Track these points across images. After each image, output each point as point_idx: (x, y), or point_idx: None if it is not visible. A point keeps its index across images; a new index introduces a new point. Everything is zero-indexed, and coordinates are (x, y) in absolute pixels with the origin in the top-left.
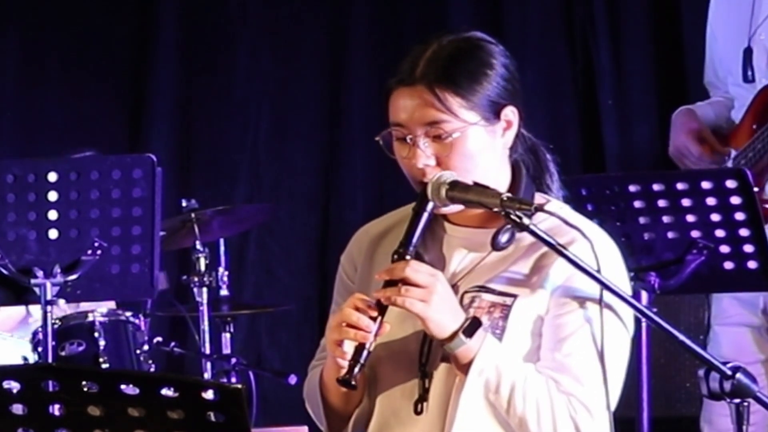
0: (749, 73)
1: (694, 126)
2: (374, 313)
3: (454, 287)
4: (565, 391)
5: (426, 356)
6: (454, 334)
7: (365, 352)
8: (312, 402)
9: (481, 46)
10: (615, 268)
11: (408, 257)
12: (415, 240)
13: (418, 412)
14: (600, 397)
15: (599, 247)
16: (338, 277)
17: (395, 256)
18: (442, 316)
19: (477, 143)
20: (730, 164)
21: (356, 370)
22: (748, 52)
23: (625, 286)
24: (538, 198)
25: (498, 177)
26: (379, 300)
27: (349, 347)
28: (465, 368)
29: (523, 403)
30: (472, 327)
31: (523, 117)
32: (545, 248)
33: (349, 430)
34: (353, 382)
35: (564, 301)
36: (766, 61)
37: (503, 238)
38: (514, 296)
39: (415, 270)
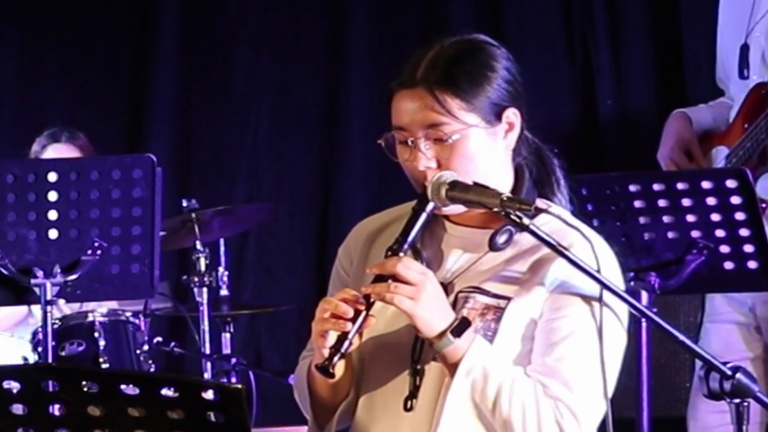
0: (745, 70)
1: (684, 137)
2: (361, 307)
3: (450, 286)
4: (552, 396)
5: (418, 354)
6: (443, 334)
7: (347, 342)
8: (300, 392)
9: (482, 49)
10: (613, 270)
11: (401, 254)
12: (410, 238)
13: (407, 409)
14: (588, 404)
15: (599, 248)
16: (334, 269)
17: (389, 253)
18: (431, 314)
19: (478, 145)
20: (722, 163)
21: (335, 358)
22: (744, 49)
23: (622, 287)
24: (540, 203)
25: (500, 180)
26: (368, 294)
27: (332, 337)
28: (453, 368)
29: (509, 406)
30: (460, 327)
31: (526, 120)
32: (542, 252)
33: (334, 423)
34: (331, 371)
35: (558, 306)
36: (760, 58)
37: (501, 239)
38: (508, 299)
39: (406, 267)
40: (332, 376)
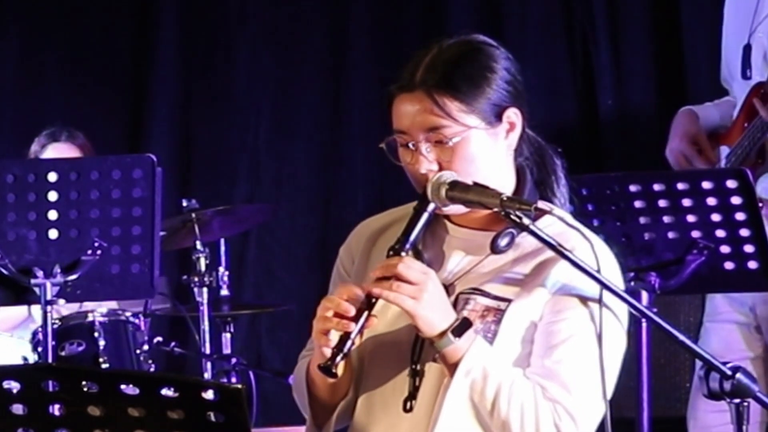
0: (748, 70)
1: (691, 130)
2: (362, 306)
3: (450, 287)
4: (551, 398)
5: (418, 354)
6: (443, 333)
7: (349, 342)
8: (298, 391)
9: (481, 50)
10: (614, 272)
11: (403, 254)
12: (412, 239)
13: (406, 410)
14: (586, 407)
15: (599, 249)
16: (335, 269)
17: (390, 253)
18: (432, 314)
19: (479, 147)
20: (723, 163)
21: (338, 358)
22: (747, 50)
23: (622, 289)
24: (542, 205)
25: (502, 180)
26: (369, 293)
27: (334, 336)
28: (452, 368)
29: (508, 407)
30: (461, 327)
31: (527, 118)
32: (544, 255)
33: (332, 422)
34: (334, 370)
35: (558, 308)
36: (762, 58)
37: (502, 242)
38: (509, 301)
39: (408, 267)
40: (335, 376)
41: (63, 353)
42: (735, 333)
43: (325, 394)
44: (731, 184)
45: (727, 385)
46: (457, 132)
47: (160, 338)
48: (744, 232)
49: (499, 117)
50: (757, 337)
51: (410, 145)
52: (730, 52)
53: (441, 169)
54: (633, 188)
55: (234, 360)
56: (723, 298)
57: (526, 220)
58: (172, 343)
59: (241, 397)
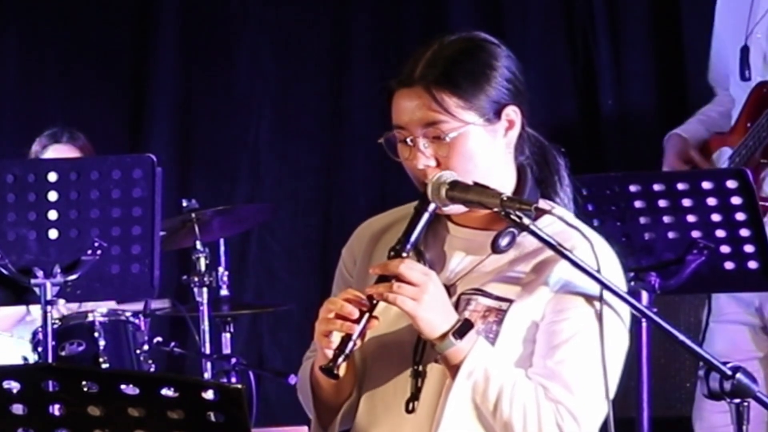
0: (746, 71)
1: (682, 149)
2: (364, 307)
3: (452, 288)
4: (553, 399)
5: (420, 355)
6: (445, 335)
7: (351, 343)
8: (303, 392)
9: (482, 47)
10: (615, 271)
11: (404, 255)
12: (413, 239)
13: (409, 411)
14: (589, 407)
15: (599, 248)
16: (338, 270)
17: (391, 253)
18: (433, 315)
19: (476, 143)
20: (726, 163)
21: (340, 359)
22: (744, 51)
23: (623, 288)
24: (543, 204)
25: (502, 179)
26: (370, 295)
27: (336, 338)
28: (454, 370)
29: (510, 408)
30: (463, 328)
31: (527, 117)
32: (546, 254)
33: (337, 423)
34: (335, 371)
35: (560, 308)
36: (762, 59)
37: (503, 241)
38: (510, 301)
39: (409, 268)
40: (336, 377)
41: (63, 353)
42: (742, 333)
43: (329, 396)
44: (731, 184)
45: (727, 385)
46: (455, 127)
47: (160, 338)
48: (744, 232)
49: (498, 114)
50: (764, 338)
51: (408, 140)
52: (725, 54)
53: (439, 165)
54: (633, 188)
55: (234, 360)
56: (729, 298)
57: (526, 220)
58: (172, 343)
59: (241, 397)
